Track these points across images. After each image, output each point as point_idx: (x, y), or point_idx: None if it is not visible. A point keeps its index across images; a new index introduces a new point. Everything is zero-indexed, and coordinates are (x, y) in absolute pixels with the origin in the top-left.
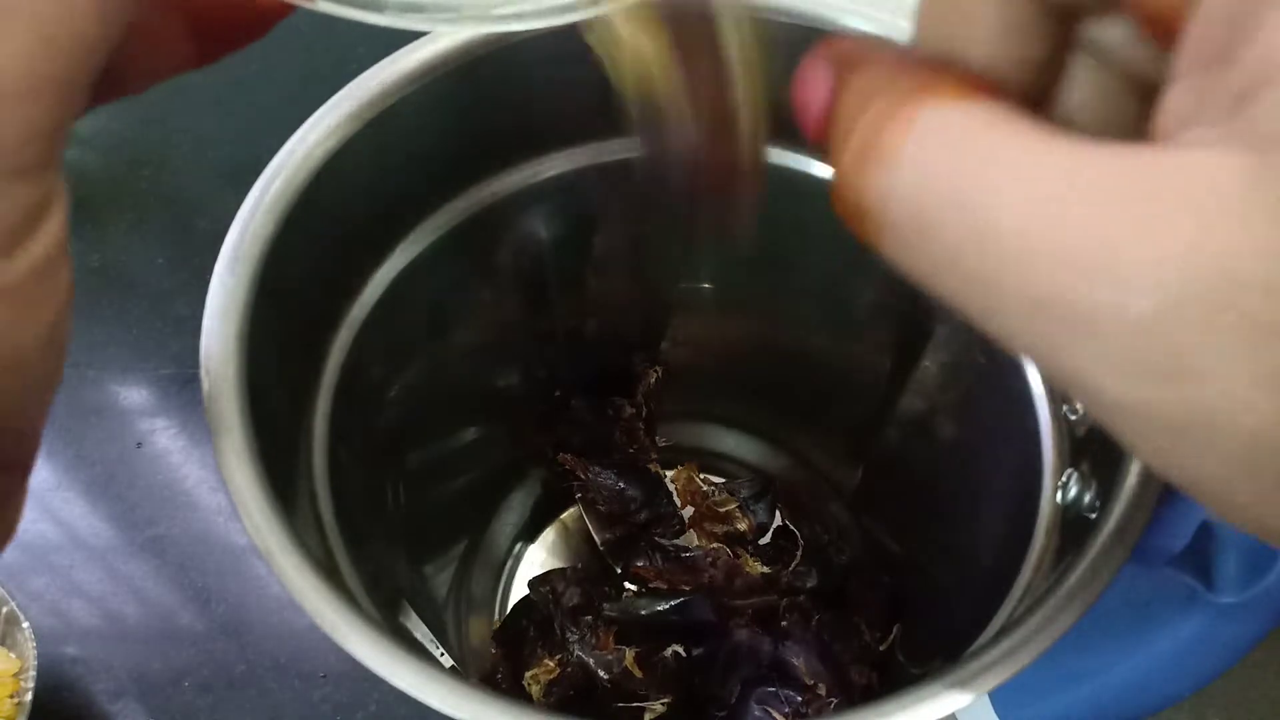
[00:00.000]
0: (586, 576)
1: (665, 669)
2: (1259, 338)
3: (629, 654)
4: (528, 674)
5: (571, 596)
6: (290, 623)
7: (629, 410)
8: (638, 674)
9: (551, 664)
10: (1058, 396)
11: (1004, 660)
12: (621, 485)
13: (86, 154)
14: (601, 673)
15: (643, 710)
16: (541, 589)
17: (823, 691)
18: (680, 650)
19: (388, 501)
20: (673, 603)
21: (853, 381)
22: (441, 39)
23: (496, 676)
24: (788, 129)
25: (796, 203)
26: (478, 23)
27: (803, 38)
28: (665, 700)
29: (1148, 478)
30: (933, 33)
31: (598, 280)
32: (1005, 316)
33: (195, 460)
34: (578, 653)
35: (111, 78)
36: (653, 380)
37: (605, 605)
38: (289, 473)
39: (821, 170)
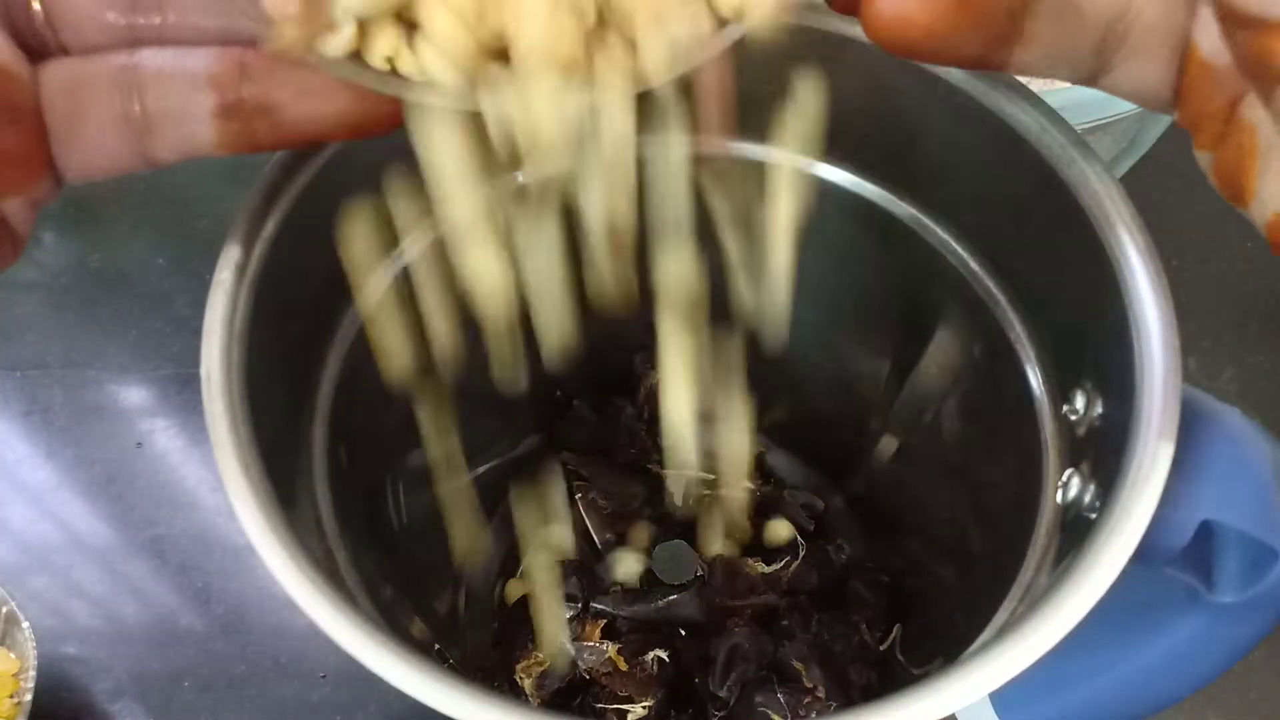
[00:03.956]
0: (583, 568)
1: (645, 672)
2: None
3: (611, 648)
4: (519, 666)
5: (565, 585)
6: (290, 623)
7: (630, 411)
8: (623, 667)
9: (541, 654)
10: (1057, 397)
11: (1005, 661)
12: (623, 485)
13: None
14: (580, 664)
15: (625, 712)
16: None
17: (822, 694)
18: (664, 655)
19: (387, 501)
20: (660, 601)
21: (852, 381)
22: None
23: (494, 678)
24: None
25: None
26: None
27: (802, 39)
28: (646, 704)
29: (1148, 478)
30: None
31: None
32: None
33: (195, 460)
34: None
35: None
36: (654, 382)
37: (593, 599)
38: (288, 473)
39: (809, 166)
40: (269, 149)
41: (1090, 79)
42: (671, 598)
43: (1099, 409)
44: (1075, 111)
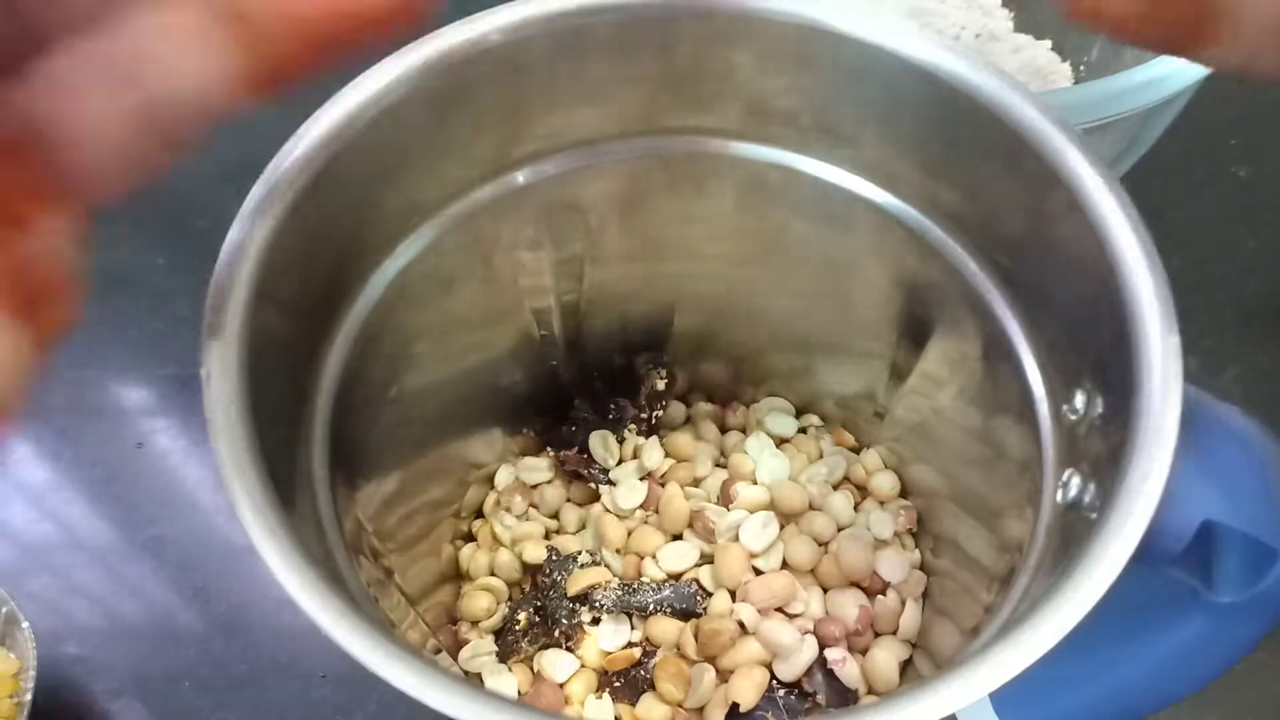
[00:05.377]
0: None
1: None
2: None
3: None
4: (511, 661)
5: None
6: (290, 623)
7: (632, 411)
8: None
9: (531, 650)
10: (1058, 396)
11: (1005, 661)
12: None
13: None
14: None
15: None
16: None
17: (823, 700)
18: None
19: (386, 502)
20: (658, 596)
21: (852, 381)
22: (441, 38)
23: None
24: (777, 126)
25: (790, 200)
26: None
27: (802, 37)
28: None
29: (1149, 478)
30: None
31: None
32: None
33: (195, 460)
34: (557, 634)
35: None
36: (656, 383)
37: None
38: (289, 473)
39: (809, 165)
40: (298, 75)
41: None
42: (670, 590)
43: (1099, 408)
44: (1076, 110)
